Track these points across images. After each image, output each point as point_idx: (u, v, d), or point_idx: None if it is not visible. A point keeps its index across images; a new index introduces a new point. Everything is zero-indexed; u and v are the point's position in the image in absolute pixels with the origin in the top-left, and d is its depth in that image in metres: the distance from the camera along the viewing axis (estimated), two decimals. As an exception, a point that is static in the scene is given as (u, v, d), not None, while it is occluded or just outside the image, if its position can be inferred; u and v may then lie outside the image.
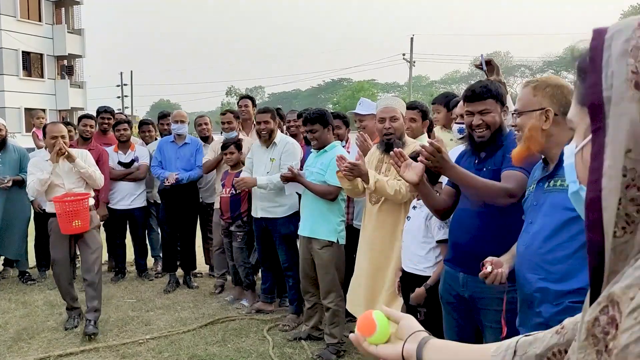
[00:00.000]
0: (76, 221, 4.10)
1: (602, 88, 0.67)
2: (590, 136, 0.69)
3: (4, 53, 27.56)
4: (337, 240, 3.83)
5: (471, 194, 2.42)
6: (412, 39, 37.32)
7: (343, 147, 4.22)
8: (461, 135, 3.13)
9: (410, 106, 3.86)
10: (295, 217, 4.41)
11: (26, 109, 26.23)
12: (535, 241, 1.92)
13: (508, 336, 1.11)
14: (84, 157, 4.35)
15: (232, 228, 4.89)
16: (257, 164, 4.60)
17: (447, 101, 3.87)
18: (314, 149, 3.99)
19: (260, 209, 4.54)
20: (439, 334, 2.74)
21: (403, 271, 3.09)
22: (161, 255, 6.02)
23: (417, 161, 2.37)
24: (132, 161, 5.77)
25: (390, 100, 3.44)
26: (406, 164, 2.46)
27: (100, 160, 5.14)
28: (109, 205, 5.68)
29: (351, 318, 4.04)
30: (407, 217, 3.10)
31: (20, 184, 5.49)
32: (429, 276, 2.92)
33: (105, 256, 5.87)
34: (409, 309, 3.11)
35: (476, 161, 2.51)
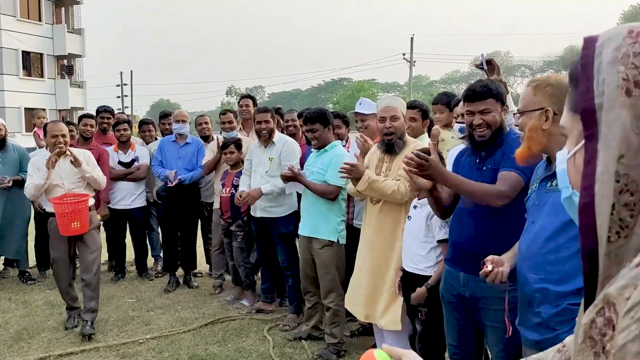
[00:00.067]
0: (75, 222, 4.09)
1: (594, 95, 0.68)
2: (582, 142, 0.70)
3: (4, 53, 27.55)
4: (338, 240, 3.83)
5: (465, 197, 2.44)
6: (412, 38, 37.36)
7: (343, 146, 4.21)
8: (462, 135, 3.12)
9: (411, 106, 3.85)
10: (294, 217, 4.42)
11: (26, 109, 26.23)
12: (536, 241, 1.92)
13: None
14: (86, 158, 4.35)
15: (232, 228, 4.90)
16: (256, 164, 4.61)
17: (448, 101, 3.86)
18: (315, 148, 3.99)
19: (259, 209, 4.54)
20: (440, 334, 2.75)
21: (404, 271, 3.09)
22: (161, 255, 6.02)
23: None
24: (133, 161, 5.77)
25: (391, 100, 3.42)
26: None
27: (100, 160, 5.14)
28: (109, 205, 5.69)
29: (352, 318, 4.04)
30: (408, 217, 3.10)
31: (20, 184, 5.47)
32: (430, 276, 2.92)
33: (105, 256, 5.88)
34: (409, 308, 3.11)
35: (477, 160, 2.52)
